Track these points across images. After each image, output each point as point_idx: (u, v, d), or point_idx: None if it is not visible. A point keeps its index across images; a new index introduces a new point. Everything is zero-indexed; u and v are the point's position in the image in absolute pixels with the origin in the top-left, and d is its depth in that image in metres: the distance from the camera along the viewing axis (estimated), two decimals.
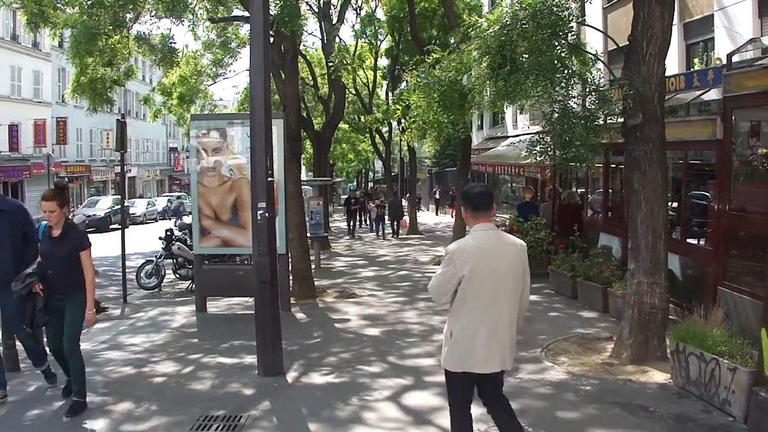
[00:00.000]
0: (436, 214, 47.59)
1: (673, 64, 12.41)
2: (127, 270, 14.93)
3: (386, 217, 32.17)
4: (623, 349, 9.08)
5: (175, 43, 19.19)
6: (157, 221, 45.64)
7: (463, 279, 5.20)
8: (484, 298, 5.23)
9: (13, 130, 40.51)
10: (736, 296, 9.34)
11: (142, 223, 44.02)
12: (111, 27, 16.38)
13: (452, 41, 18.24)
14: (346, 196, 41.62)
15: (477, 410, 7.29)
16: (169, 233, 16.99)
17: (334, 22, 23.94)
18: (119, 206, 18.13)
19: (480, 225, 5.35)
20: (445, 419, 7.07)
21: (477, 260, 5.20)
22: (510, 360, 5.45)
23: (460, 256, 5.24)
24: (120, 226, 15.58)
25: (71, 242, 7.34)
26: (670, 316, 9.54)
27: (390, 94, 35.53)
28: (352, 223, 33.46)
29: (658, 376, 8.40)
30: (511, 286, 5.31)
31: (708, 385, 7.35)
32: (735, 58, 9.83)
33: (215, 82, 27.41)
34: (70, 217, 8.59)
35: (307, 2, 23.09)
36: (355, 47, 32.34)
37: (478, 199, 5.41)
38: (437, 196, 49.58)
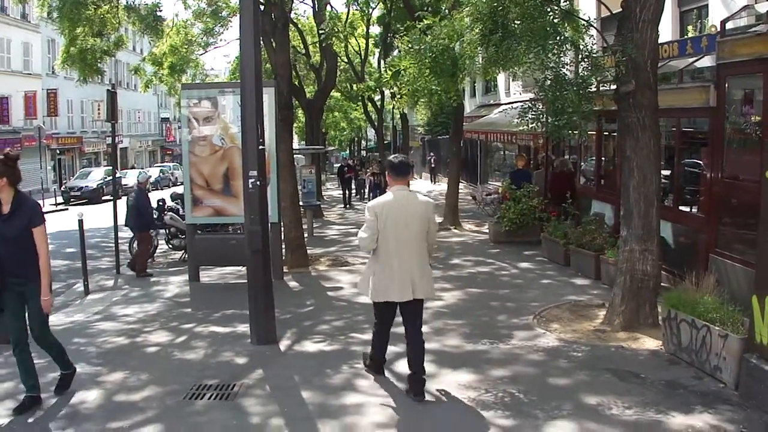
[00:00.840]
0: (433, 183, 45.54)
1: (666, 30, 12.32)
2: (119, 241, 14.91)
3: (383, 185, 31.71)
4: (615, 316, 9.11)
5: (161, 10, 19.06)
6: (149, 191, 45.46)
7: (382, 226, 6.71)
8: (396, 241, 6.73)
9: (3, 102, 40.28)
10: (728, 263, 9.36)
11: None
12: None
13: (444, 8, 18.11)
14: (339, 164, 40.86)
15: (469, 376, 7.37)
16: (161, 203, 16.93)
17: None
18: (111, 177, 18.03)
19: (397, 186, 6.89)
20: (437, 386, 7.15)
21: (392, 211, 6.74)
22: (423, 290, 6.88)
23: (379, 208, 6.79)
24: (112, 197, 15.53)
25: (22, 219, 6.46)
26: (661, 283, 9.57)
27: (382, 62, 35.32)
28: (347, 192, 32.40)
29: (649, 343, 8.43)
30: (418, 233, 6.81)
31: (699, 351, 7.38)
32: (729, 25, 9.75)
33: (206, 52, 27.22)
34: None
35: None
36: (347, 15, 31.98)
37: (399, 167, 6.96)
38: (433, 164, 46.98)
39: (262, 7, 13.09)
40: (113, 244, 15.08)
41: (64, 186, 40.38)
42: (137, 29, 20.37)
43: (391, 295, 6.81)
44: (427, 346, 8.35)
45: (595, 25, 11.17)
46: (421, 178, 53.13)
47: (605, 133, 14.68)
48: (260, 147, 8.83)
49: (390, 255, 6.74)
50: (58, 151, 49.76)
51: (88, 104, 52.42)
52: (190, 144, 13.00)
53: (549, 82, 9.46)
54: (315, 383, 7.39)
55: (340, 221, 24.96)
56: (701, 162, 10.90)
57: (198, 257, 13.37)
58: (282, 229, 13.93)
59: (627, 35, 8.87)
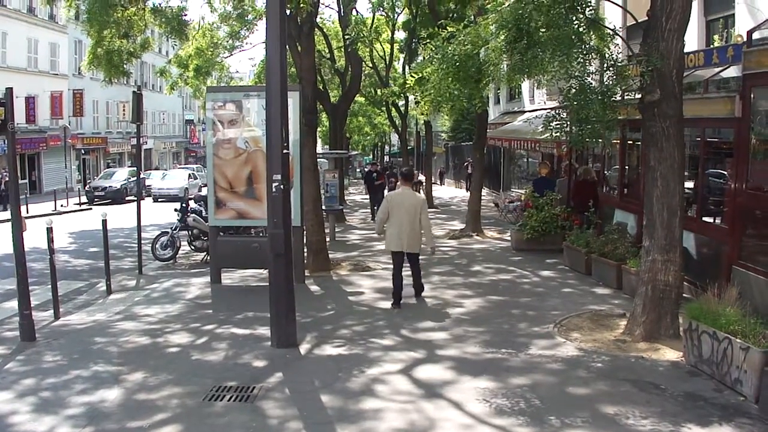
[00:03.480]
0: (467, 191, 42.82)
1: (692, 40, 12.25)
2: (142, 241, 15.01)
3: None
4: (636, 327, 9.07)
5: (186, 14, 19.22)
6: None
7: (390, 208, 10.99)
8: (397, 218, 10.87)
9: (30, 102, 40.58)
10: (751, 275, 9.29)
11: None
12: None
13: (469, 14, 18.10)
14: (366, 169, 39.43)
15: (488, 383, 7.37)
16: (184, 205, 17.02)
17: None
18: (135, 178, 18.16)
19: (404, 187, 11.37)
20: (456, 393, 7.16)
21: (396, 200, 11.07)
22: (411, 247, 11.00)
23: (391, 198, 11.31)
24: (136, 198, 15.65)
25: None
26: (683, 294, 9.51)
27: (407, 67, 35.34)
28: (376, 204, 30.12)
29: (670, 354, 8.39)
30: (412, 214, 10.86)
31: (720, 364, 7.34)
32: (755, 35, 9.68)
33: (231, 55, 27.29)
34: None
35: None
36: (372, 20, 32.08)
37: (408, 175, 11.93)
38: (469, 170, 44.11)
39: (288, 12, 13.15)
40: (136, 245, 15.18)
41: (88, 186, 40.65)
42: (163, 31, 20.52)
43: (392, 247, 11.03)
44: (445, 352, 8.54)
45: (620, 33, 11.12)
46: (444, 184, 52.74)
47: (629, 143, 14.61)
48: (285, 151, 8.86)
49: (393, 226, 10.94)
50: (83, 151, 50.21)
51: (113, 105, 52.86)
52: (214, 146, 13.05)
53: (574, 90, 9.43)
54: (334, 387, 7.41)
55: (362, 226, 24.94)
56: (725, 172, 10.83)
57: (220, 259, 13.42)
58: (304, 232, 13.97)
59: (652, 44, 8.84)
